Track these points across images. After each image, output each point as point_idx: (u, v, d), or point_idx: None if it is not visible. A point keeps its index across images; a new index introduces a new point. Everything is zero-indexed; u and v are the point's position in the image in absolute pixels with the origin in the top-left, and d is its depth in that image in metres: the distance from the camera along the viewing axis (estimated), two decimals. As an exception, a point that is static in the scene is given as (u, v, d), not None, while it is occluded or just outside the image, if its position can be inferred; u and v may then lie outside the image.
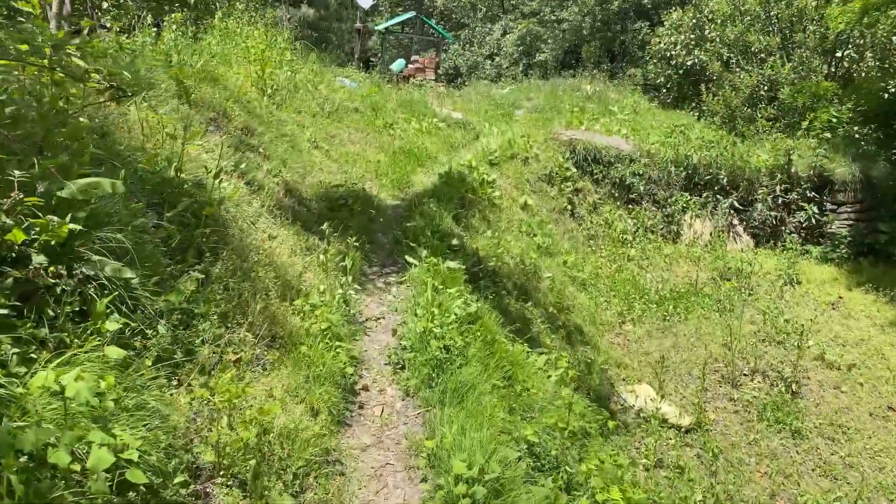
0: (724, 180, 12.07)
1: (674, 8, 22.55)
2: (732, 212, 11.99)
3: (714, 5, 20.24)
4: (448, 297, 5.54)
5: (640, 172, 12.32)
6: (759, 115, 16.71)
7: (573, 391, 6.27)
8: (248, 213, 5.65)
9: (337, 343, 4.44)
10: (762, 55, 17.61)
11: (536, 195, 11.76)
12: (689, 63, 20.83)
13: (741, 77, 17.26)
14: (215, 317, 3.94)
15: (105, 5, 16.05)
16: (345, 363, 4.34)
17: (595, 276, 10.69)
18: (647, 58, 22.41)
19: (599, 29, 25.57)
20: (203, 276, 4.16)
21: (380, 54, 24.13)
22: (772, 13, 17.31)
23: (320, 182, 8.00)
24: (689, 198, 12.16)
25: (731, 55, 19.21)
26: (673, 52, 21.25)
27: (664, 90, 22.51)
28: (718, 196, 12.13)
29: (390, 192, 9.20)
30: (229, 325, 4.12)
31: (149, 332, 3.41)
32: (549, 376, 6.13)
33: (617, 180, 12.36)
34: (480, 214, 9.45)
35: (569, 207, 12.00)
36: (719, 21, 19.83)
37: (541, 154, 12.40)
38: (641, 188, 12.18)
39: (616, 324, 9.83)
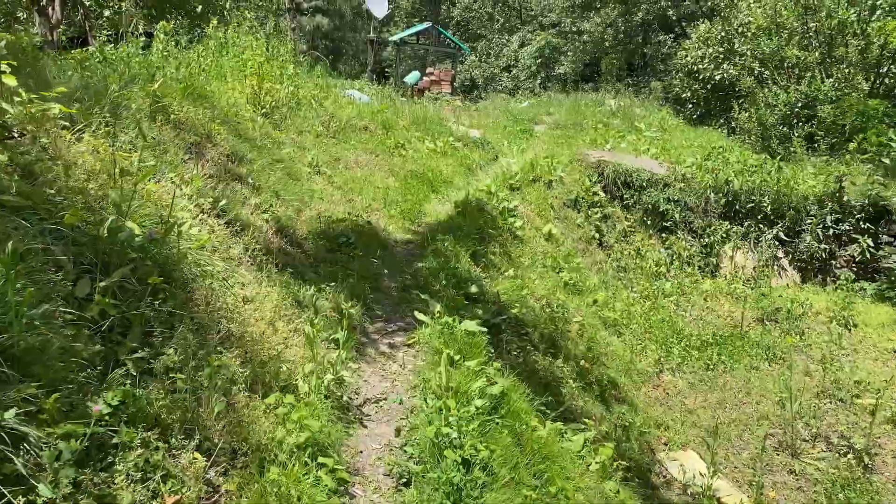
0: (768, 208, 10.83)
1: (701, 20, 21.35)
2: (777, 243, 10.75)
3: (744, 17, 19.04)
4: (467, 375, 4.38)
5: (675, 198, 11.11)
6: (796, 135, 15.45)
7: (618, 483, 5.09)
8: (221, 267, 4.52)
9: (321, 459, 3.29)
10: (798, 70, 16.36)
11: (561, 223, 10.59)
12: (717, 77, 19.64)
13: (776, 93, 16.00)
14: (147, 438, 2.81)
15: (107, 13, 15.13)
16: (330, 491, 3.17)
17: (627, 316, 9.48)
18: (674, 71, 21.22)
19: (622, 41, 24.39)
20: (136, 375, 3.05)
21: (394, 66, 23.14)
22: (809, 26, 16.06)
23: (319, 215, 6.87)
24: (728, 227, 10.94)
25: (763, 70, 18.00)
26: (700, 66, 20.07)
27: (689, 105, 21.33)
28: (761, 226, 10.89)
29: (400, 224, 8.06)
30: (172, 442, 2.99)
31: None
32: (589, 466, 4.97)
33: (649, 206, 11.16)
34: (501, 248, 8.29)
35: (596, 236, 10.81)
36: (750, 34, 18.63)
37: (566, 177, 11.23)
38: (677, 216, 10.97)
39: (653, 373, 8.61)
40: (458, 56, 23.97)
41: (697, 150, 14.87)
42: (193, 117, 6.35)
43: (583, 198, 10.99)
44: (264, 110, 8.34)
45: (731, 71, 19.14)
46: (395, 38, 22.32)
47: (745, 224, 10.95)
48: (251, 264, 5.17)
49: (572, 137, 15.43)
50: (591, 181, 11.18)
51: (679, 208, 11.08)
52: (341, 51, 37.04)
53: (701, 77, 19.96)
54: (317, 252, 6.23)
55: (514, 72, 30.21)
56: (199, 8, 16.17)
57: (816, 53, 15.50)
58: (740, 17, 19.22)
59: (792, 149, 15.33)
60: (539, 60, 28.84)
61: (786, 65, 16.38)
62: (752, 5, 18.97)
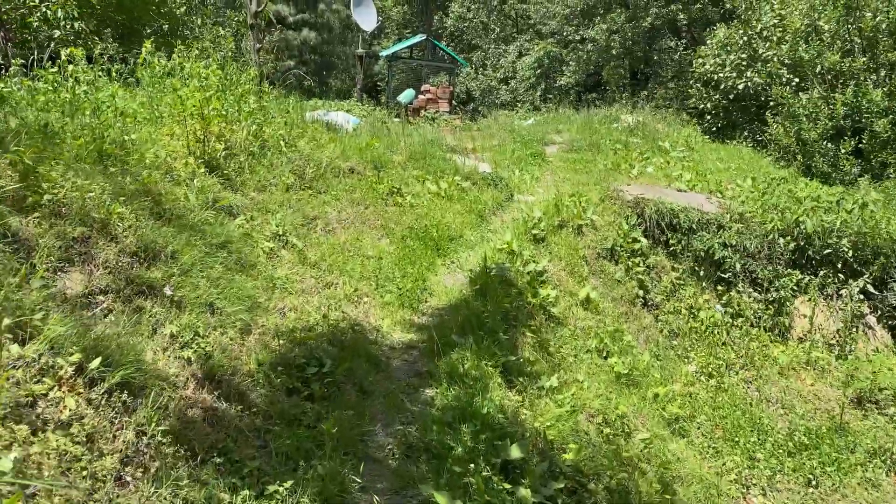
0: (849, 254, 8.58)
1: (717, 25, 19.13)
2: (862, 297, 8.50)
3: (769, 20, 16.82)
4: None
5: (733, 243, 8.85)
6: (843, 152, 13.23)
7: None
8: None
9: None
10: (843, 78, 14.13)
11: (598, 279, 8.32)
12: (739, 87, 17.40)
13: (817, 104, 13.77)
14: None
15: (57, 34, 12.77)
16: None
17: (691, 405, 7.21)
18: (691, 81, 18.98)
19: (629, 49, 22.15)
20: None
21: (386, 83, 20.71)
22: (851, 28, 13.83)
23: (277, 329, 4.58)
24: (800, 277, 8.67)
25: (793, 77, 15.76)
26: (720, 75, 17.82)
27: (708, 117, 19.09)
28: (841, 276, 8.63)
29: (398, 316, 5.77)
30: None
31: None
32: None
33: (701, 253, 8.89)
34: (534, 339, 6.01)
35: (640, 293, 8.53)
36: (776, 38, 16.41)
37: (598, 219, 8.96)
38: (737, 265, 8.70)
39: (739, 497, 6.34)
40: (454, 70, 21.69)
41: (737, 173, 12.63)
42: (81, 196, 4.07)
43: (621, 245, 8.72)
44: (212, 163, 6.05)
45: (755, 79, 16.90)
46: (387, 52, 20.04)
47: (821, 274, 8.68)
48: (139, 460, 2.91)
49: (591, 162, 13.16)
50: (628, 224, 8.91)
51: (738, 255, 8.81)
52: (331, 65, 34.75)
53: (722, 87, 17.71)
54: (271, 401, 3.93)
55: (513, 84, 27.97)
56: (166, 26, 13.90)
57: (862, 59, 13.28)
58: (764, 19, 16.99)
59: (842, 168, 13.12)
60: (538, 71, 26.60)
61: (825, 72, 14.14)
62: (775, 6, 16.78)
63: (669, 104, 19.90)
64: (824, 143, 13.50)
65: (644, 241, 8.84)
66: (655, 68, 23.28)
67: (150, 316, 3.83)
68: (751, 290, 8.84)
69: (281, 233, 5.90)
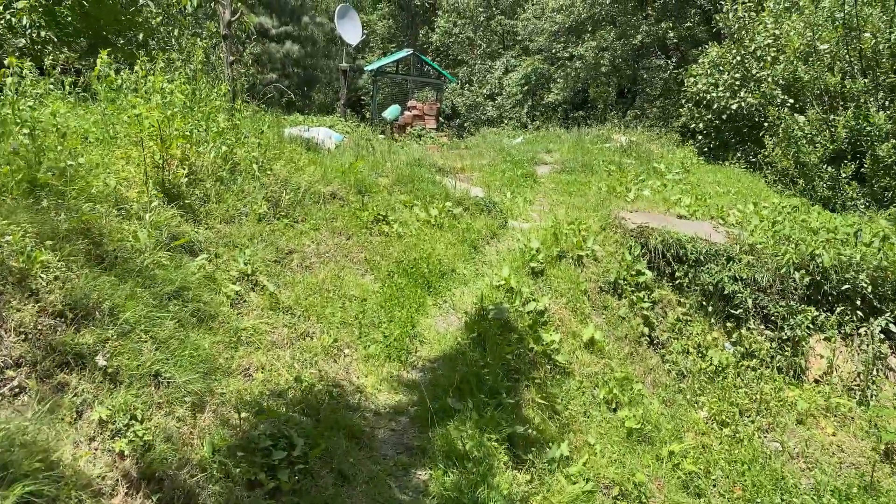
0: (869, 290, 7.94)
1: (709, 43, 18.67)
2: (883, 337, 7.86)
3: (762, 40, 16.37)
4: None
5: (743, 276, 8.18)
6: (844, 176, 12.71)
7: None
8: None
9: None
10: (843, 101, 13.63)
11: (600, 315, 7.60)
12: (733, 107, 16.91)
13: (819, 127, 13.24)
14: None
15: (22, 42, 11.89)
16: None
17: (705, 459, 6.48)
18: (683, 101, 18.47)
19: (617, 66, 21.66)
20: None
21: (371, 98, 19.94)
22: (850, 48, 13.35)
23: (239, 396, 3.78)
24: (815, 314, 8.01)
25: (787, 98, 15.29)
26: (713, 95, 17.33)
27: (700, 136, 18.58)
28: (860, 313, 7.99)
29: (384, 371, 4.97)
30: None
31: None
32: None
33: (710, 287, 8.21)
34: (540, 396, 5.24)
35: (645, 331, 7.82)
36: (770, 58, 15.96)
37: (599, 250, 8.25)
38: (749, 301, 8.02)
39: (768, 573, 5.61)
40: (441, 86, 21.04)
41: (737, 197, 12.05)
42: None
43: (624, 279, 8.01)
44: (172, 191, 5.24)
45: (749, 99, 16.41)
46: (372, 66, 19.32)
47: (838, 311, 8.03)
48: None
49: (585, 184, 12.52)
50: (632, 255, 8.21)
51: (748, 290, 8.14)
52: (315, 79, 34.01)
53: (715, 107, 17.21)
54: (226, 500, 3.12)
55: (499, 100, 27.38)
56: (142, 35, 13.02)
57: (863, 81, 12.79)
58: (758, 38, 16.55)
59: (843, 193, 12.58)
60: (525, 88, 26.05)
61: (823, 93, 13.64)
62: (769, 26, 16.35)
63: (662, 123, 19.38)
64: (824, 166, 12.97)
65: (649, 273, 8.15)
66: (644, 87, 22.84)
67: (74, 395, 3.03)
68: (763, 327, 8.17)
69: (250, 272, 5.10)
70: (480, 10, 28.82)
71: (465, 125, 28.44)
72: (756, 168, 16.19)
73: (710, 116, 17.81)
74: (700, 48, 18.93)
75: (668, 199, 11.52)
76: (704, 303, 8.31)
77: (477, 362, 4.92)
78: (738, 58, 16.97)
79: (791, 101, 15.31)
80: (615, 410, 6.09)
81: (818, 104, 13.59)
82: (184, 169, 5.53)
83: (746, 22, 16.82)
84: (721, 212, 10.60)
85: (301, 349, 4.64)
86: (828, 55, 13.41)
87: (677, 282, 8.37)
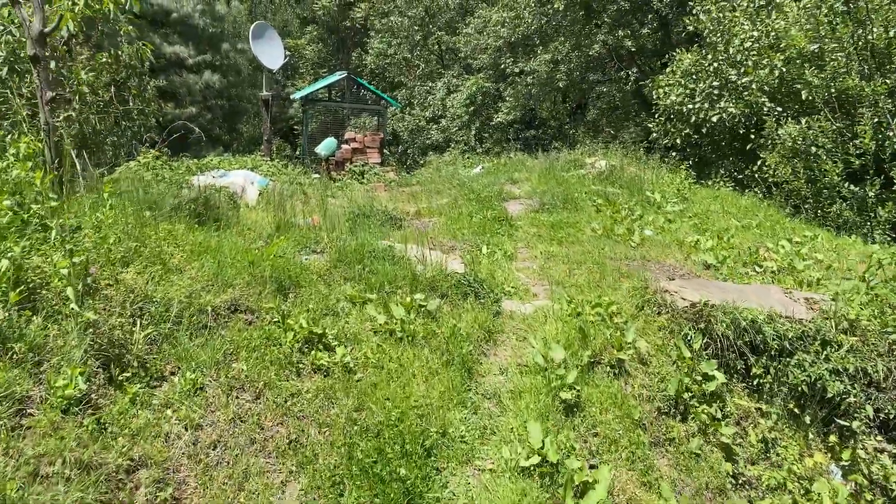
0: None
1: (676, 51, 16.40)
2: None
3: (739, 42, 14.17)
4: None
5: (847, 368, 5.53)
6: (871, 195, 10.42)
7: None
8: None
9: None
10: (850, 105, 11.40)
11: (664, 453, 4.79)
12: (713, 119, 14.60)
13: (832, 138, 10.92)
14: None
15: None
16: None
17: None
18: (656, 115, 16.08)
19: (574, 81, 19.22)
20: None
21: (302, 130, 16.71)
22: (860, 45, 11.10)
23: None
24: (956, 417, 5.44)
25: (776, 107, 13.08)
26: (689, 106, 15.01)
27: (674, 153, 16.25)
28: None
29: None
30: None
31: None
32: None
33: (803, 387, 5.53)
34: None
35: (729, 469, 5.05)
36: (751, 63, 13.76)
37: (643, 346, 5.45)
38: (870, 411, 5.36)
39: None
40: (383, 112, 18.10)
41: (760, 232, 9.56)
42: None
43: (688, 388, 5.23)
44: None
45: (730, 109, 14.13)
46: (300, 93, 16.22)
47: None
48: None
49: (572, 225, 9.81)
50: (691, 349, 5.46)
51: (857, 386, 5.49)
52: (241, 111, 30.53)
53: (693, 120, 14.87)
54: None
55: (444, 122, 24.66)
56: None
57: (886, 81, 10.53)
58: (735, 42, 14.33)
59: (874, 216, 10.27)
60: (471, 109, 23.39)
61: (832, 98, 11.36)
62: (746, 28, 14.17)
63: (632, 144, 16.99)
64: (846, 185, 10.65)
65: (720, 376, 5.38)
66: (602, 102, 20.52)
67: None
68: (884, 442, 5.52)
69: None
70: (416, 28, 26.10)
71: (409, 152, 25.62)
72: (744, 186, 13.93)
73: (687, 131, 15.50)
74: (667, 56, 16.64)
75: (683, 242, 8.95)
76: (797, 410, 5.60)
77: None
78: (716, 64, 14.72)
79: (779, 109, 13.11)
80: None
81: (829, 111, 11.29)
82: None
83: (724, 23, 14.59)
84: (754, 256, 8.11)
85: None
86: (840, 54, 11.12)
87: (755, 381, 5.64)
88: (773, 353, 5.61)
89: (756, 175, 13.59)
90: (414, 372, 4.45)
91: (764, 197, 12.78)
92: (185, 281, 4.32)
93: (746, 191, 13.50)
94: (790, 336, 5.62)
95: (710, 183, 14.21)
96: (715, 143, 15.61)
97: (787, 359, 5.59)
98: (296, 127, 31.72)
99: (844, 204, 10.67)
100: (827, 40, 11.12)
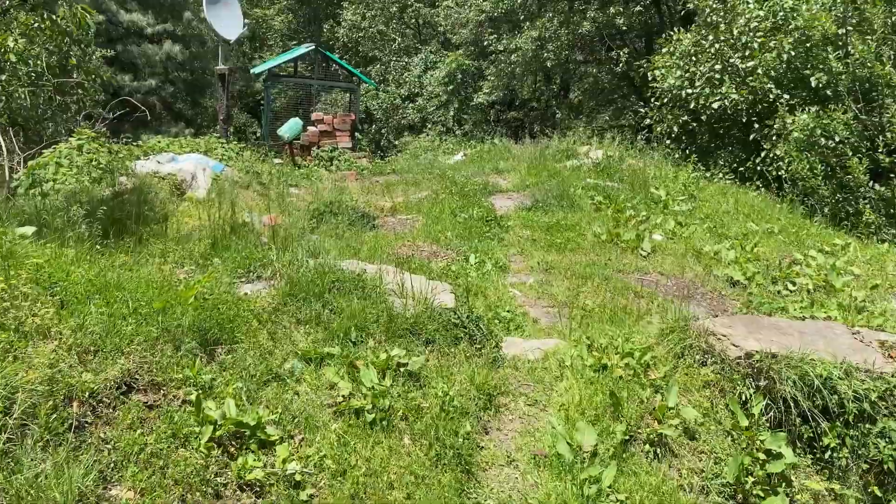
0: None
1: (674, 30, 15.03)
2: None
3: (748, 21, 12.88)
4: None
5: (942, 439, 4.30)
6: (898, 195, 9.25)
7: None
8: None
9: None
10: (876, 94, 10.16)
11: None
12: (714, 106, 13.31)
13: (857, 132, 9.69)
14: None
15: None
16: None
17: None
18: (653, 100, 14.73)
19: (561, 61, 17.73)
20: None
21: (263, 108, 14.81)
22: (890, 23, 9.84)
23: None
24: None
25: (782, 93, 11.86)
26: (689, 91, 13.70)
27: (668, 141, 14.93)
28: None
29: None
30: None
31: None
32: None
33: (890, 462, 4.29)
34: None
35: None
36: (756, 45, 12.49)
37: (690, 415, 4.12)
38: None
39: None
40: (355, 90, 16.38)
41: (784, 238, 8.32)
42: None
43: (748, 470, 3.94)
44: None
45: (732, 96, 12.84)
46: (261, 68, 14.43)
47: None
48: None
49: (571, 228, 8.48)
50: (747, 413, 4.16)
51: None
52: (205, 84, 28.44)
53: (693, 106, 13.56)
54: None
55: (420, 101, 23.00)
56: None
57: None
58: (740, 21, 13.01)
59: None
60: (450, 88, 21.77)
61: (855, 87, 10.12)
62: (751, 6, 12.86)
63: (628, 130, 15.64)
64: (870, 184, 9.46)
65: (789, 454, 4.08)
66: (585, 83, 19.12)
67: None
68: None
69: None
70: (392, -2, 24.28)
71: (383, 131, 23.96)
72: (745, 179, 12.74)
73: (685, 118, 14.22)
74: (664, 35, 15.25)
75: (701, 251, 7.66)
76: (879, 492, 4.36)
77: None
78: (717, 45, 13.41)
79: (786, 96, 11.88)
80: None
81: (852, 101, 10.04)
82: None
83: (728, 1, 13.26)
84: (787, 272, 6.91)
85: None
86: (870, 37, 9.83)
87: (827, 454, 4.37)
88: (849, 418, 4.33)
89: (760, 167, 12.41)
90: (391, 480, 3.04)
91: (768, 191, 11.62)
92: (47, 353, 2.83)
93: (748, 183, 12.34)
94: (871, 397, 4.34)
95: (708, 174, 12.97)
96: (713, 131, 14.35)
97: (868, 426, 4.32)
98: (262, 104, 29.72)
99: (867, 205, 9.50)
100: (855, 21, 9.83)
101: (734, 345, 4.50)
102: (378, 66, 25.44)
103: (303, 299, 4.20)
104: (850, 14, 9.89)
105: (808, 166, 10.08)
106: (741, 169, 13.11)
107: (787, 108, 11.00)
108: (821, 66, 10.10)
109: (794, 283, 6.89)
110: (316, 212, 8.52)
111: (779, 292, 6.78)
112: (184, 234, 6.86)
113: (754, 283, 6.88)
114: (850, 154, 9.38)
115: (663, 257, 7.60)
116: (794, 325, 4.99)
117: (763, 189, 11.92)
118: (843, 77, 9.87)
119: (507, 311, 5.89)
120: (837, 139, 9.70)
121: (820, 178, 10.10)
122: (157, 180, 9.62)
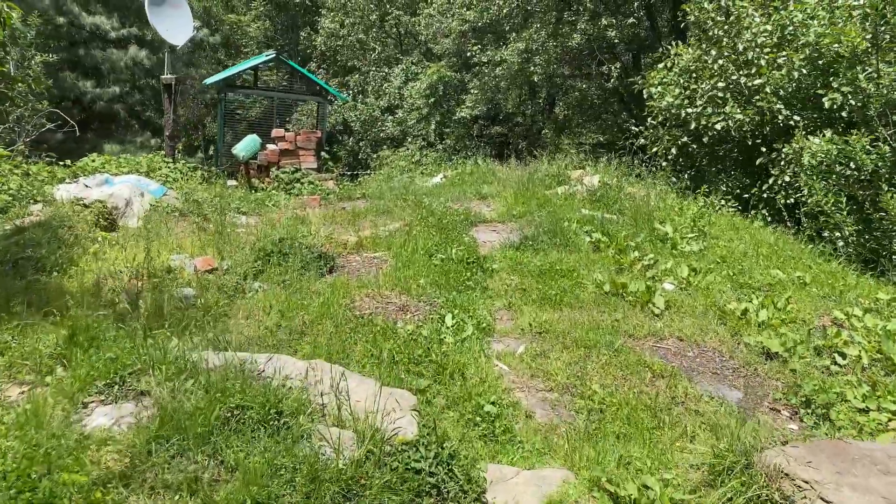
0: None
1: (672, 44, 13.68)
2: None
3: (754, 37, 11.58)
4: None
5: None
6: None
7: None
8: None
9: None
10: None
11: None
12: (717, 127, 11.96)
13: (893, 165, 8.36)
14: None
15: None
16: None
17: None
18: (649, 119, 13.35)
19: (551, 74, 16.33)
20: None
21: (218, 123, 13.04)
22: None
23: None
24: None
25: (792, 114, 10.58)
26: (690, 111, 12.34)
27: (664, 163, 13.55)
28: None
29: None
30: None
31: None
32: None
33: None
34: None
35: None
36: (764, 62, 11.19)
37: None
38: None
39: None
40: (324, 104, 14.79)
41: (826, 291, 6.91)
42: None
43: None
44: None
45: (737, 116, 11.49)
46: (214, 79, 12.80)
47: None
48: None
49: (567, 274, 7.01)
50: None
51: None
52: (178, 92, 26.54)
53: (693, 126, 12.20)
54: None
55: (401, 114, 21.50)
56: None
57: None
58: (746, 36, 11.69)
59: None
60: (432, 100, 20.29)
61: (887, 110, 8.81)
62: (759, 22, 11.55)
63: (624, 153, 14.25)
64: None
65: None
66: (570, 98, 17.75)
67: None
68: None
69: None
70: (372, 6, 22.74)
71: (361, 144, 22.38)
72: (749, 207, 11.39)
73: (684, 139, 12.86)
74: (661, 50, 13.91)
75: (724, 308, 6.24)
76: None
77: None
78: (721, 61, 12.08)
79: (796, 118, 10.60)
80: None
81: (883, 125, 8.71)
82: None
83: (733, 13, 11.94)
84: (832, 340, 5.53)
85: None
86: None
87: None
88: None
89: (766, 195, 11.09)
90: None
91: (779, 223, 10.31)
92: None
93: (753, 212, 11.02)
94: None
95: (708, 200, 11.60)
96: (713, 153, 13.01)
97: None
98: (238, 112, 27.96)
99: (901, 246, 8.15)
100: (888, 37, 8.51)
101: (824, 500, 3.03)
102: (357, 76, 23.89)
103: (178, 445, 2.65)
104: (881, 29, 8.57)
105: (832, 200, 8.71)
106: (745, 196, 11.78)
107: (804, 133, 9.68)
108: (836, 86, 8.79)
109: (842, 356, 5.51)
110: (262, 252, 6.96)
111: (827, 368, 5.38)
112: (87, 287, 5.29)
113: (796, 355, 5.47)
114: (885, 188, 8.02)
115: (680, 317, 6.16)
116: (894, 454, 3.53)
117: (771, 220, 10.64)
118: (873, 99, 8.53)
119: (492, 403, 4.47)
120: (869, 169, 8.36)
121: (845, 212, 8.76)
122: (79, 209, 7.98)
